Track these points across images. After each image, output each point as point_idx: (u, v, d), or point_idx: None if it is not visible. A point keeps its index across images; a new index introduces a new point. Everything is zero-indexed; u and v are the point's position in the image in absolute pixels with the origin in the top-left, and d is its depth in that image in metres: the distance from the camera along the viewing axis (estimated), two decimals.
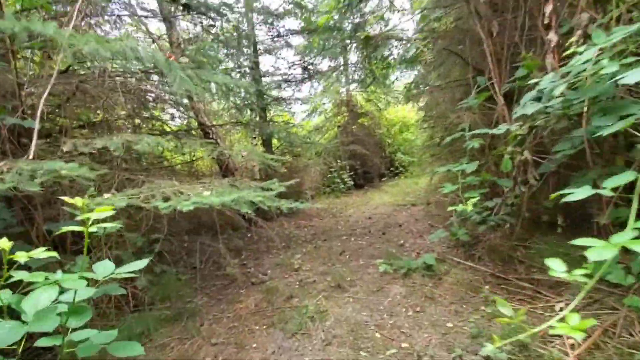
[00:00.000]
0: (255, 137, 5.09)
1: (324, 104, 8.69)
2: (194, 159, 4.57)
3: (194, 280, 3.38)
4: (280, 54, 6.76)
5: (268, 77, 6.53)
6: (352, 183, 8.66)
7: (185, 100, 4.72)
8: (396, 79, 6.99)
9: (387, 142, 10.87)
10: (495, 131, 2.06)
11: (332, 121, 9.22)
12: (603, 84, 1.56)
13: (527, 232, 3.12)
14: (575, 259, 2.93)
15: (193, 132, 4.85)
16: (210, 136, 4.92)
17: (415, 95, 6.83)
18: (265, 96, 6.35)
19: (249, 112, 4.46)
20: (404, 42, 5.50)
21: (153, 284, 2.96)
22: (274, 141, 6.98)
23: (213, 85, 3.43)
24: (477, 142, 2.45)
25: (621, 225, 2.10)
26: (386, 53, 6.09)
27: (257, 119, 5.80)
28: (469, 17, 3.52)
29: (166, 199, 2.05)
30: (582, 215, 3.21)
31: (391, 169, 10.72)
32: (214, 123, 5.06)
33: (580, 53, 1.51)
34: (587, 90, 1.59)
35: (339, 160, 8.60)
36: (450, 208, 2.22)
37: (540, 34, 2.90)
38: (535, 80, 1.95)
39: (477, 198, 2.24)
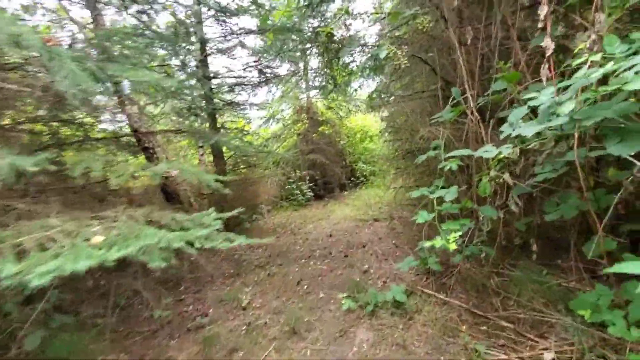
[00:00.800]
0: (202, 147, 4.46)
1: (282, 110, 8.18)
2: (107, 178, 3.82)
3: (112, 329, 2.68)
4: (234, 55, 6.16)
5: (219, 78, 5.89)
6: (312, 194, 8.22)
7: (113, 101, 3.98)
8: (359, 86, 6.69)
9: (348, 151, 10.61)
10: (482, 154, 1.70)
11: (291, 129, 8.74)
12: (621, 101, 1.24)
13: (498, 256, 2.87)
14: (552, 289, 2.73)
15: (124, 139, 4.09)
16: (147, 146, 4.20)
17: (378, 105, 6.58)
18: (215, 100, 5.70)
19: (193, 118, 3.83)
20: (368, 47, 5.20)
21: (48, 343, 2.24)
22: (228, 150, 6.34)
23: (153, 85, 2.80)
24: (455, 164, 2.11)
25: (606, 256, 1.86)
26: (348, 59, 5.77)
27: (204, 125, 5.14)
28: (437, 23, 3.26)
29: (21, 254, 1.42)
30: (557, 240, 3.04)
31: (352, 178, 10.46)
32: (152, 130, 4.34)
33: (602, 64, 1.19)
34: (601, 108, 1.28)
35: (298, 171, 8.12)
36: (426, 244, 1.83)
37: (513, 45, 2.68)
38: (531, 94, 1.63)
39: (460, 232, 1.89)
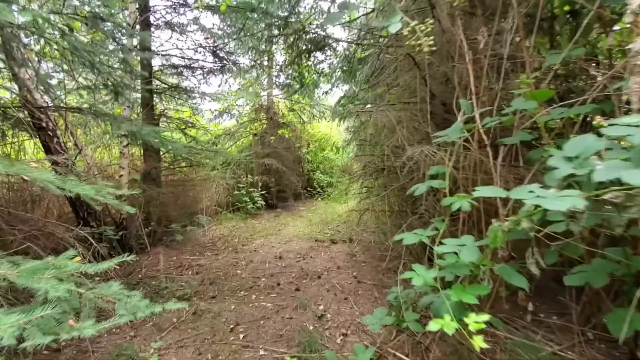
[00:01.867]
0: (125, 136, 3.44)
1: (239, 105, 7.25)
2: None
3: None
4: (186, 33, 5.18)
5: (163, 56, 4.87)
6: (263, 203, 7.36)
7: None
8: (327, 91, 6.08)
9: (307, 159, 9.94)
10: (527, 198, 1.10)
11: (247, 128, 7.84)
12: None
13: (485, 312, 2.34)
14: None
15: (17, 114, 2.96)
16: (42, 126, 3.11)
17: (347, 113, 6.00)
18: (155, 82, 4.68)
19: (112, 96, 2.85)
20: (345, 45, 4.60)
21: None
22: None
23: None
24: (469, 202, 1.50)
25: None
26: (320, 57, 5.12)
27: (135, 110, 4.11)
28: (435, 24, 2.72)
29: None
30: (552, 299, 2.60)
31: (308, 188, 9.78)
32: (54, 105, 3.24)
33: None
34: None
35: (250, 175, 7.24)
36: (433, 327, 1.17)
37: (522, 56, 2.21)
38: (611, 121, 1.07)
39: (473, 302, 1.26)
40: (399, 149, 2.84)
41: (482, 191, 1.25)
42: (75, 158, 3.35)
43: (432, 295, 1.56)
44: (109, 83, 2.65)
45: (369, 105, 3.76)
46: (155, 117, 4.73)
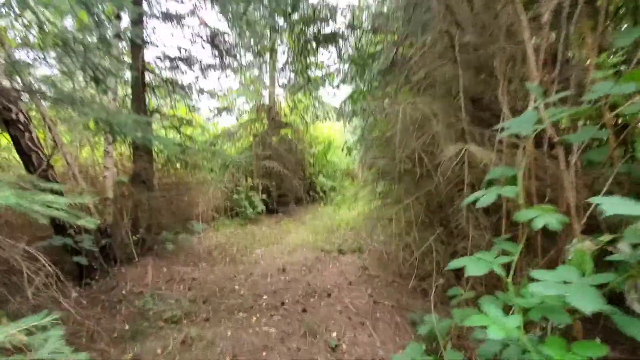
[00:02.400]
0: (110, 133, 3.01)
1: (238, 104, 6.81)
2: None
3: None
4: (183, 23, 4.76)
5: (156, 46, 4.45)
6: (264, 207, 6.91)
7: None
8: (338, 85, 5.66)
9: (309, 162, 9.50)
10: None
11: (248, 128, 7.41)
12: None
13: None
14: None
15: None
16: (12, 118, 2.67)
17: (357, 110, 5.62)
18: (147, 74, 4.26)
19: (94, 85, 2.42)
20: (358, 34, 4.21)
21: None
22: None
23: None
24: (558, 220, 1.07)
25: None
26: (327, 52, 4.71)
27: (124, 104, 3.68)
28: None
29: None
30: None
31: (310, 193, 9.34)
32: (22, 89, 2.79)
33: None
34: None
35: (250, 178, 6.79)
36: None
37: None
38: None
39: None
40: (430, 148, 2.40)
41: (612, 206, 0.82)
42: (51, 156, 2.90)
43: (513, 348, 1.11)
44: (87, 67, 2.22)
45: (384, 101, 3.33)
46: (148, 113, 4.29)
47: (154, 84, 4.67)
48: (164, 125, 4.69)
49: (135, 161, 4.07)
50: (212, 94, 5.64)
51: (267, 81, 7.64)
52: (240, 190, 6.48)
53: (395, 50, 3.70)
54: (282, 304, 2.99)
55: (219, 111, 6.80)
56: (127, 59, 4.04)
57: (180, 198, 4.94)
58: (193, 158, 5.05)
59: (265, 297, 3.14)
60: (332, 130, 11.06)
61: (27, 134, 2.75)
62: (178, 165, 5.06)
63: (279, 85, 7.84)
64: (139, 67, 3.95)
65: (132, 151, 4.12)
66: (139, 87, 3.96)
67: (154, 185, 4.44)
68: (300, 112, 8.25)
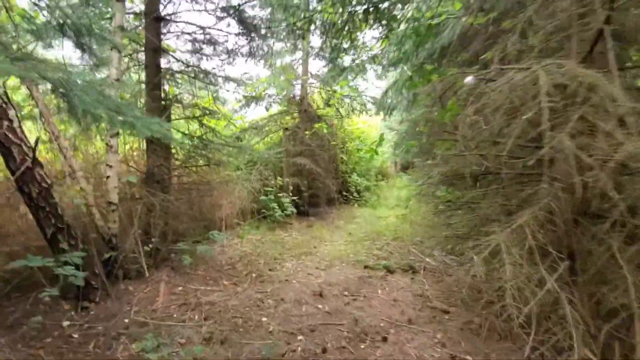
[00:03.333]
0: (113, 126, 2.42)
1: (268, 95, 6.10)
2: None
3: None
4: None
5: (172, 21, 3.82)
6: (294, 210, 6.20)
7: None
8: (385, 67, 4.80)
9: (342, 159, 8.71)
10: None
11: (277, 121, 6.73)
12: None
13: None
14: None
15: None
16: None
17: (410, 97, 4.79)
18: (166, 55, 3.64)
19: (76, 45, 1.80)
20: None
21: None
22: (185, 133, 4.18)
23: None
24: None
25: None
26: (369, 35, 3.87)
27: (134, 89, 3.07)
28: None
29: None
30: None
31: (343, 193, 8.55)
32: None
33: None
34: None
35: (279, 177, 6.11)
36: None
37: None
38: None
39: None
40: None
41: None
42: (36, 147, 2.31)
43: None
44: (62, 22, 1.56)
45: (470, 78, 2.44)
46: (164, 102, 3.68)
47: (174, 69, 4.07)
48: (184, 115, 4.07)
49: (149, 157, 3.47)
50: (239, 82, 4.98)
51: (299, 70, 6.92)
52: (269, 190, 5.80)
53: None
54: (324, 351, 2.23)
55: (247, 102, 6.15)
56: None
57: (201, 200, 4.33)
58: (216, 154, 4.42)
59: (300, 338, 2.40)
60: (367, 125, 10.18)
61: (5, 122, 2.17)
62: (201, 162, 4.44)
63: (312, 75, 7.09)
64: (155, 45, 3.32)
65: (146, 145, 3.53)
66: (153, 69, 3.34)
67: (171, 186, 3.83)
68: (335, 104, 7.45)
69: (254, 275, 3.59)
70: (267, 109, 5.73)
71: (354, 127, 8.82)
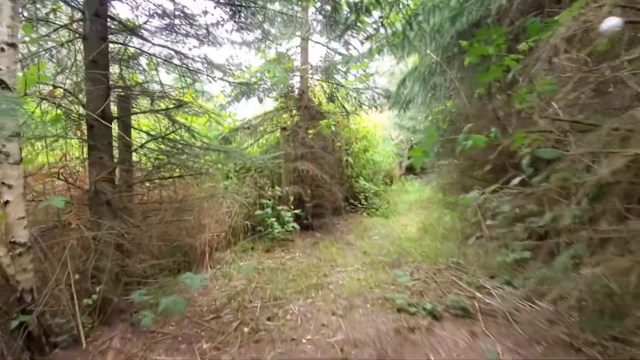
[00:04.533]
0: None
1: (263, 85, 5.08)
2: None
3: None
4: None
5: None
6: (295, 225, 5.16)
7: None
8: (403, 52, 3.80)
9: (348, 162, 7.72)
10: None
11: (274, 120, 5.72)
12: None
13: None
14: None
15: None
16: None
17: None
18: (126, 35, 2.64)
19: None
20: None
21: None
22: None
23: None
24: None
25: None
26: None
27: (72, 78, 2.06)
28: None
29: None
30: None
31: (351, 200, 7.54)
32: None
33: None
34: None
35: (277, 186, 5.09)
36: None
37: None
38: None
39: None
40: None
41: None
42: None
43: None
44: None
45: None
46: (111, 86, 2.65)
47: (132, 49, 3.05)
48: (153, 109, 3.04)
49: (91, 168, 2.43)
50: (225, 70, 3.97)
51: (297, 61, 5.92)
52: (266, 202, 4.78)
53: None
54: None
55: (237, 96, 5.13)
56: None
57: (178, 221, 3.29)
58: (196, 161, 3.40)
59: None
60: (373, 122, 9.18)
61: None
62: (176, 172, 3.40)
63: (312, 66, 6.11)
64: (96, 8, 2.31)
65: (87, 151, 2.49)
66: (95, 41, 2.33)
67: (132, 207, 2.80)
68: (339, 98, 6.44)
69: (246, 330, 2.56)
70: (260, 100, 4.68)
71: (360, 125, 7.82)
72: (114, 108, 2.93)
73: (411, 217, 7.16)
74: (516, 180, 2.09)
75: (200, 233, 3.61)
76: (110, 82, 2.85)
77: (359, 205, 7.58)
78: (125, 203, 2.70)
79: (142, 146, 2.86)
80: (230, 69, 4.07)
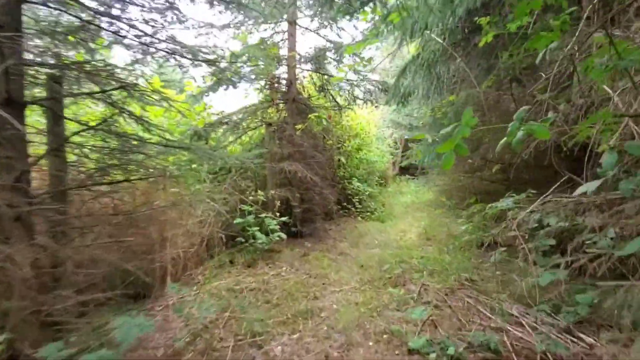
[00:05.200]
0: None
1: (241, 70, 4.40)
2: None
3: None
4: None
5: None
6: (282, 233, 4.51)
7: None
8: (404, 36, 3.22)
9: (340, 162, 7.12)
10: None
11: (258, 114, 5.07)
12: None
13: None
14: None
15: None
16: None
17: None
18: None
19: None
20: None
21: None
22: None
23: None
24: None
25: None
26: None
27: None
28: None
29: None
30: None
31: (343, 204, 6.93)
32: None
33: None
34: None
35: (260, 191, 4.44)
36: None
37: None
38: None
39: None
40: None
41: None
42: None
43: None
44: None
45: None
46: (28, 62, 1.98)
47: (74, 19, 2.37)
48: (84, 92, 2.37)
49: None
50: (194, 53, 3.31)
51: (284, 44, 5.28)
52: (247, 209, 4.13)
53: None
54: None
55: (215, 83, 4.44)
56: None
57: (130, 240, 2.62)
58: (164, 162, 2.74)
59: None
60: (366, 119, 8.59)
61: None
62: (134, 174, 2.73)
63: (301, 55, 5.48)
64: None
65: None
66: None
67: (65, 222, 2.12)
68: (330, 90, 5.81)
69: None
70: (234, 86, 3.96)
71: (353, 121, 7.22)
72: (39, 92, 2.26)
73: (409, 221, 6.60)
74: (593, 185, 1.49)
75: (162, 249, 2.95)
76: (36, 59, 2.18)
77: (353, 209, 6.98)
78: (52, 217, 2.02)
79: (67, 140, 2.18)
80: (202, 51, 3.41)
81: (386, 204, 8.19)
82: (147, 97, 2.46)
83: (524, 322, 2.42)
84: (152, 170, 2.88)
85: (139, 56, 2.92)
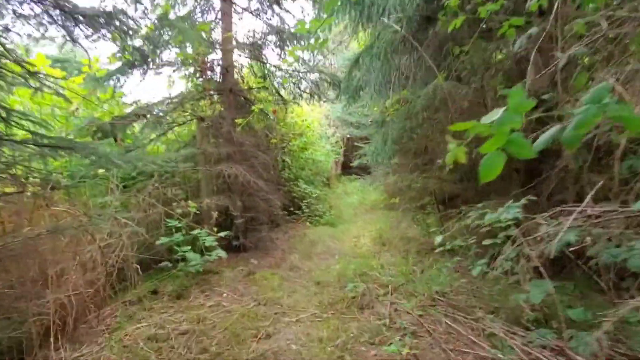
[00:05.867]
0: None
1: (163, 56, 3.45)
2: None
3: None
4: None
5: None
6: (222, 253, 3.73)
7: None
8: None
9: (286, 163, 6.50)
10: None
11: (187, 105, 4.19)
12: None
13: None
14: None
15: None
16: None
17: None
18: None
19: None
20: None
21: None
22: None
23: None
24: None
25: None
26: None
27: None
28: None
29: None
30: None
31: (291, 209, 6.32)
32: None
33: None
34: None
35: (189, 201, 3.59)
36: None
37: None
38: None
39: None
40: None
41: None
42: None
43: None
44: None
45: None
46: None
47: None
48: None
49: None
50: (91, 17, 2.42)
51: (217, 31, 4.47)
52: (175, 224, 3.29)
53: None
54: None
55: (122, 67, 3.46)
56: None
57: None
58: (21, 169, 1.83)
59: None
60: (310, 115, 8.08)
61: None
62: None
63: (239, 42, 4.71)
64: None
65: None
66: None
67: None
68: (272, 84, 5.15)
69: None
70: (149, 66, 3.03)
71: (299, 118, 6.64)
72: None
73: (361, 224, 6.26)
74: None
75: (43, 288, 2.03)
76: None
77: (300, 214, 6.41)
78: None
79: None
80: (102, 19, 2.50)
81: (334, 206, 7.78)
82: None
83: (514, 346, 2.08)
84: (23, 180, 1.97)
85: None
